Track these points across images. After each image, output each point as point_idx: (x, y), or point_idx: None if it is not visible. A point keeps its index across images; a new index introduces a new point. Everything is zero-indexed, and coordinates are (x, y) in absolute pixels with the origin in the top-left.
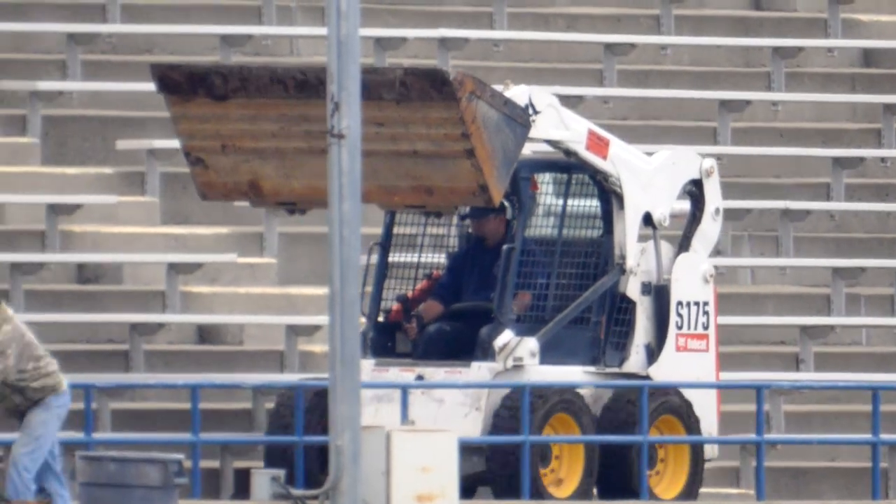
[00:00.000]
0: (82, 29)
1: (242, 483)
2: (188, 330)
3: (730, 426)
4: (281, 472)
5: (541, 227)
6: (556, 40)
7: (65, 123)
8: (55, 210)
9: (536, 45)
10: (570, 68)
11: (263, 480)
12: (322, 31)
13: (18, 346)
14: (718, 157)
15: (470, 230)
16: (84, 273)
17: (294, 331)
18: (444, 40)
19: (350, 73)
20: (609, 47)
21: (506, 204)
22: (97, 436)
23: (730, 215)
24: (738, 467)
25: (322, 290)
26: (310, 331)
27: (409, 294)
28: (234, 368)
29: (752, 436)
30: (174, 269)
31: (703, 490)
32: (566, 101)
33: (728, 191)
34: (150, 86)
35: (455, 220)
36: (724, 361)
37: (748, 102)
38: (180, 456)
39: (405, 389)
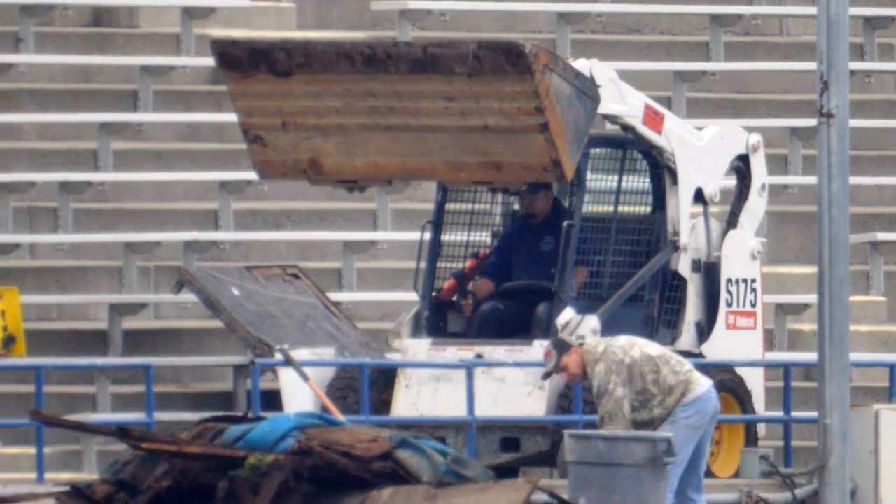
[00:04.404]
0: (573, 8)
1: None
2: None
3: None
4: (769, 451)
5: (589, 203)
6: None
7: None
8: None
9: None
10: None
11: (752, 459)
12: (812, 10)
13: (621, 375)
14: None
15: (516, 207)
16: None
17: (783, 309)
18: None
19: (840, 52)
20: None
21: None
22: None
23: None
24: None
25: (811, 269)
26: (798, 309)
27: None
28: None
29: None
30: None
31: None
32: None
33: None
34: None
35: (500, 197)
36: None
37: None
38: (669, 434)
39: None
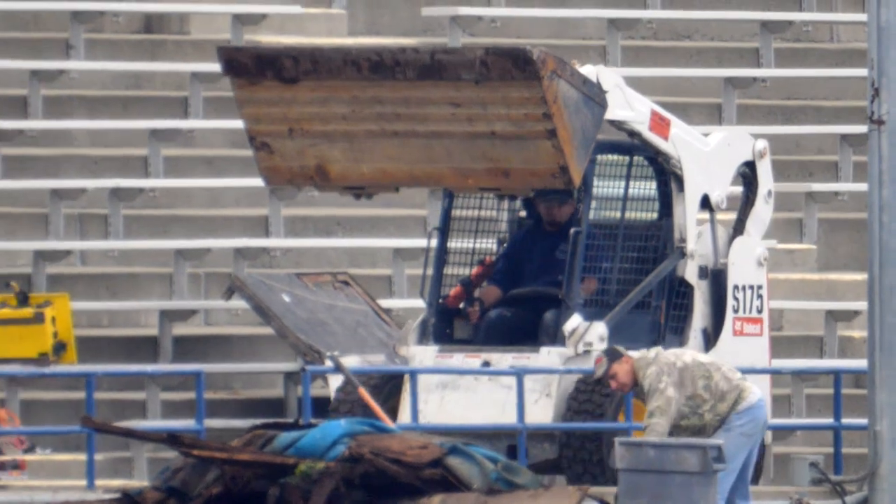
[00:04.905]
0: (623, 15)
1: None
2: None
3: None
4: (819, 458)
5: (596, 209)
6: None
7: None
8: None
9: None
10: None
11: (802, 466)
12: (862, 17)
13: (672, 377)
14: None
15: (523, 214)
16: None
17: (833, 316)
18: None
19: (891, 58)
20: None
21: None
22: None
23: None
24: None
25: (861, 276)
26: (849, 316)
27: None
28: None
29: None
30: None
31: None
32: None
33: None
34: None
35: (506, 204)
36: None
37: None
38: (720, 441)
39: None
